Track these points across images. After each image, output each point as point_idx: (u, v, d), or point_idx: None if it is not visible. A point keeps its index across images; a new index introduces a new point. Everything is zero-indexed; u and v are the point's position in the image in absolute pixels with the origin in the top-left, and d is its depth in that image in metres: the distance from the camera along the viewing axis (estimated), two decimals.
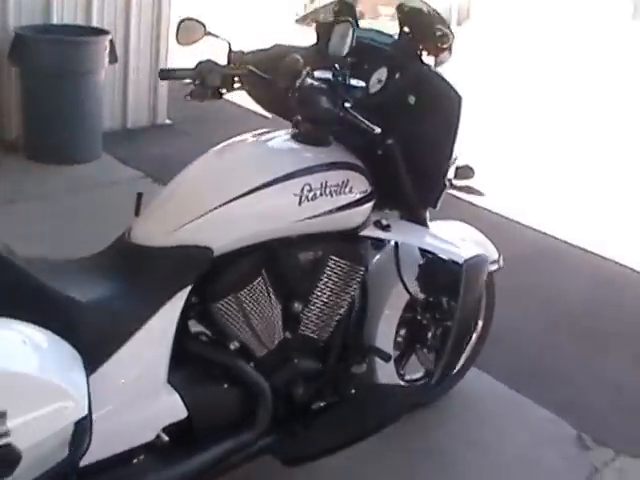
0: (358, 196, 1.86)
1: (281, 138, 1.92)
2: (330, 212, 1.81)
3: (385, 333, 2.14)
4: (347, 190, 1.83)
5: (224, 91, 1.95)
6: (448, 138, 1.89)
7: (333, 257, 1.88)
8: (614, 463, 2.38)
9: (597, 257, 3.73)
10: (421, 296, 2.15)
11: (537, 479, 2.28)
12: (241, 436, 1.81)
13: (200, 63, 1.89)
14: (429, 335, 2.23)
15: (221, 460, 1.79)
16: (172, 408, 1.70)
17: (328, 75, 1.83)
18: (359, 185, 1.86)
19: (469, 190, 2.21)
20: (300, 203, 1.75)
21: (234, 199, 1.71)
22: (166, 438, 1.69)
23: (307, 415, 1.96)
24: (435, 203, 1.99)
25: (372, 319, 2.11)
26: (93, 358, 1.51)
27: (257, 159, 1.86)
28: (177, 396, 1.70)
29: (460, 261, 1.93)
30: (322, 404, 2.01)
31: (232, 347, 1.82)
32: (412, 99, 1.86)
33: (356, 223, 1.89)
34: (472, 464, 2.29)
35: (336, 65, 1.81)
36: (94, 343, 1.52)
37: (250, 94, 2.06)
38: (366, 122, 1.75)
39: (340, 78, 1.81)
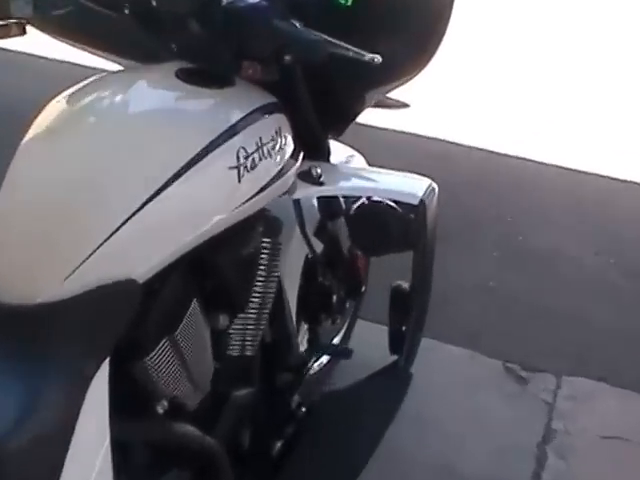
0: (291, 146, 1.45)
1: (162, 84, 1.38)
2: (274, 179, 1.38)
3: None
4: (283, 142, 1.42)
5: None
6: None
7: (266, 239, 1.50)
8: (560, 391, 2.33)
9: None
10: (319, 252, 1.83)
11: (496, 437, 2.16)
12: None
13: None
14: (333, 299, 1.94)
15: None
16: None
17: None
18: (287, 129, 1.45)
19: (389, 103, 1.89)
20: (240, 178, 1.29)
21: (147, 202, 1.16)
22: None
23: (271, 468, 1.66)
24: (343, 130, 1.68)
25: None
26: None
27: (153, 129, 1.26)
28: None
29: (415, 202, 1.64)
30: (280, 443, 1.71)
31: (160, 410, 1.31)
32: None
33: (289, 184, 1.48)
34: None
35: None
36: None
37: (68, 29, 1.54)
38: (355, 49, 1.34)
39: None
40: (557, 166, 3.69)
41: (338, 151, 1.82)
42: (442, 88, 3.89)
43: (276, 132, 1.40)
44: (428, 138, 3.82)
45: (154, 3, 1.40)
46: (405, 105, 1.95)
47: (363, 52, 1.33)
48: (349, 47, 1.34)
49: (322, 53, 1.34)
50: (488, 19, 5.33)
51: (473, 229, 3.13)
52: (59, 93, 1.34)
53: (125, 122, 1.28)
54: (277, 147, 1.39)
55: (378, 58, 1.33)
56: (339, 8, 1.47)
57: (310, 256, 1.84)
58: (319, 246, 1.85)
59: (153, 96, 1.38)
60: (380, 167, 1.84)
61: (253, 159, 1.32)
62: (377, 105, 1.78)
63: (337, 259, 1.91)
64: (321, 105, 1.56)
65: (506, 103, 4.27)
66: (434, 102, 3.87)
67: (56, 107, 1.31)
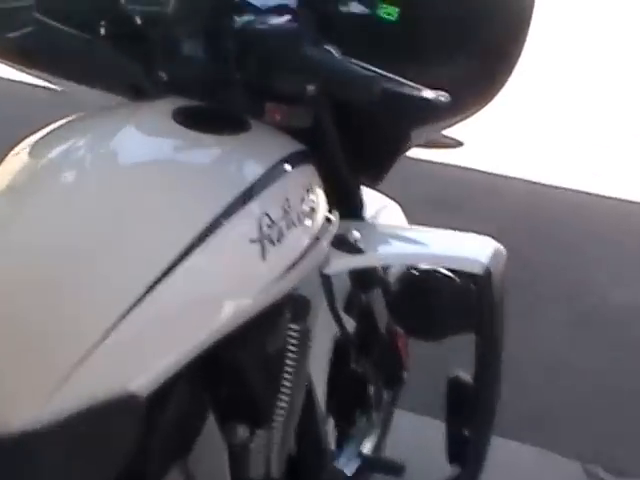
0: (325, 206, 1.18)
1: (155, 129, 1.12)
2: (306, 252, 1.11)
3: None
4: (315, 201, 1.15)
5: None
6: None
7: (293, 326, 1.22)
8: None
9: None
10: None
11: None
12: None
13: None
14: (369, 390, 1.63)
15: None
16: None
17: None
18: (318, 184, 1.19)
19: (439, 142, 1.57)
20: (264, 255, 1.02)
21: (145, 292, 0.91)
22: None
23: None
24: (380, 178, 1.39)
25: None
26: None
27: (149, 194, 1.01)
28: None
29: (479, 270, 1.32)
30: None
31: None
32: (393, 12, 1.18)
33: (323, 256, 1.20)
34: None
35: None
36: None
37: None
38: (414, 85, 1.08)
39: None
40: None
41: (367, 199, 1.49)
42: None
43: (306, 190, 1.14)
44: (466, 169, 3.42)
45: (138, 21, 1.19)
46: (459, 144, 1.61)
47: (423, 89, 1.08)
48: (408, 83, 1.08)
49: (376, 94, 1.05)
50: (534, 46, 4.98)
51: (534, 285, 2.69)
52: (22, 140, 1.09)
53: (109, 185, 1.01)
54: (308, 209, 1.12)
55: (445, 97, 1.07)
56: (381, 25, 1.18)
57: (339, 336, 1.51)
58: (350, 323, 1.52)
59: (145, 147, 1.11)
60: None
61: (279, 228, 1.05)
62: (425, 145, 1.48)
63: (372, 339, 1.58)
64: (354, 147, 1.27)
65: (562, 132, 3.90)
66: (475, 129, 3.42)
67: (18, 161, 1.07)
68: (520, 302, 2.39)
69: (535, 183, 3.45)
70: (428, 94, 1.07)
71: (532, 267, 2.73)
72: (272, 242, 1.03)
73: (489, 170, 3.48)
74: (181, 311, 0.96)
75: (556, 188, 3.37)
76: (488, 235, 1.41)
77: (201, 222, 0.97)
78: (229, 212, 1.00)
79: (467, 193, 3.15)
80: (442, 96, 1.07)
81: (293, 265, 1.07)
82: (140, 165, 1.06)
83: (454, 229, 1.44)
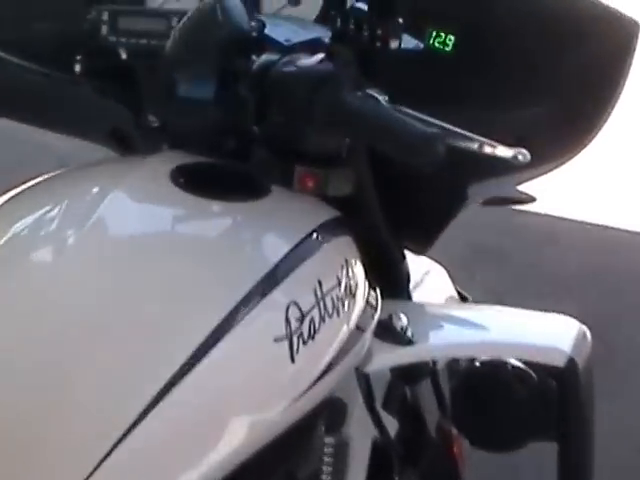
0: (365, 286, 0.99)
1: (150, 195, 0.94)
2: (344, 349, 0.92)
3: None
4: (353, 282, 0.95)
5: None
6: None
7: (329, 439, 1.06)
8: None
9: None
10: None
11: None
12: None
13: None
14: None
15: None
16: None
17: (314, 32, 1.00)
18: (357, 259, 1.00)
19: (507, 198, 1.33)
20: (293, 356, 0.84)
21: (147, 409, 0.74)
22: None
23: None
24: (429, 245, 1.19)
25: None
26: None
27: (150, 281, 0.83)
28: None
29: (560, 362, 1.10)
30: None
31: None
32: (448, 40, 0.99)
33: (364, 352, 1.00)
34: None
35: None
36: None
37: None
38: (486, 141, 0.88)
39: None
40: None
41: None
42: None
43: (343, 268, 0.93)
44: (516, 210, 3.06)
45: (123, 56, 1.02)
46: (531, 199, 1.32)
47: (496, 145, 0.86)
48: (476, 138, 0.87)
49: (439, 155, 0.83)
50: None
51: (613, 362, 2.30)
52: None
53: (100, 267, 0.83)
54: (346, 293, 0.92)
55: (524, 155, 0.85)
56: (434, 58, 0.98)
57: (379, 441, 1.26)
58: (392, 424, 1.27)
59: (137, 221, 0.91)
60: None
61: (311, 320, 0.85)
62: (488, 202, 1.25)
63: (420, 443, 1.32)
64: (398, 210, 1.09)
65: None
66: None
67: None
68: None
69: (606, 228, 3.06)
70: (504, 152, 0.85)
71: (608, 338, 2.38)
72: (302, 339, 0.84)
73: (545, 211, 2.99)
74: (185, 432, 0.77)
75: (634, 234, 3.00)
76: (562, 313, 1.15)
77: (212, 319, 0.78)
78: (247, 304, 0.81)
79: (517, 239, 2.76)
80: (521, 154, 0.85)
81: (329, 366, 0.88)
82: (132, 246, 0.87)
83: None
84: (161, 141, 1.02)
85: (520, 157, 0.86)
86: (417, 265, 1.34)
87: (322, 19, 1.05)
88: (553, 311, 1.20)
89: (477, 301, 1.37)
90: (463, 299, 1.44)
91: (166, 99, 0.96)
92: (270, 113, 0.91)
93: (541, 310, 1.18)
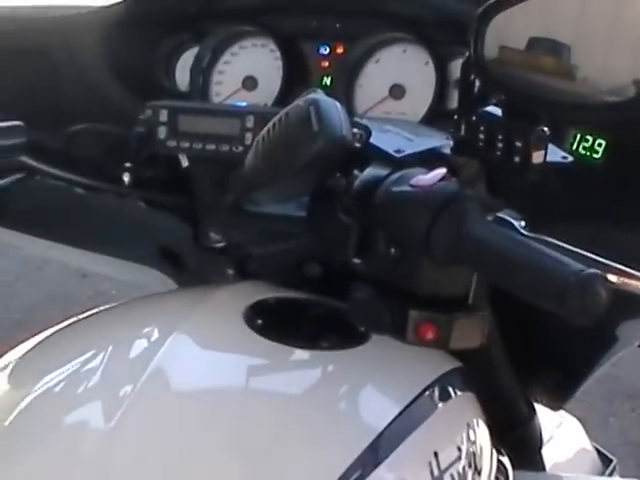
0: (492, 455, 0.83)
1: (221, 340, 0.79)
2: None
3: None
4: (479, 452, 0.79)
5: None
6: None
7: None
8: None
9: None
10: None
11: None
12: None
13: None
14: None
15: None
16: None
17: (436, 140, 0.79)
18: (482, 421, 0.84)
19: None
20: None
21: None
22: None
23: None
24: (566, 398, 0.99)
25: None
26: None
27: (232, 458, 0.66)
28: None
29: None
30: None
31: None
32: (597, 146, 0.82)
33: None
34: None
35: None
36: None
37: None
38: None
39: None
40: None
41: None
42: None
43: (464, 433, 0.76)
44: None
45: (184, 163, 0.88)
46: None
47: None
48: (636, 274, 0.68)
49: (602, 302, 0.61)
50: None
51: None
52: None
53: (161, 438, 0.65)
54: (468, 465, 0.75)
55: None
56: (581, 170, 0.79)
57: None
58: None
59: (206, 375, 0.74)
60: None
61: None
62: None
63: None
64: (529, 358, 0.89)
65: None
66: None
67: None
68: None
69: None
70: None
71: None
72: None
73: None
74: None
75: None
76: None
77: None
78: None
79: None
80: None
81: None
82: (203, 411, 0.69)
83: None
84: (223, 264, 0.87)
85: None
86: (547, 418, 1.12)
87: (429, 121, 0.86)
88: None
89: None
90: (604, 460, 1.21)
91: (240, 217, 0.79)
92: (376, 243, 0.72)
93: None
